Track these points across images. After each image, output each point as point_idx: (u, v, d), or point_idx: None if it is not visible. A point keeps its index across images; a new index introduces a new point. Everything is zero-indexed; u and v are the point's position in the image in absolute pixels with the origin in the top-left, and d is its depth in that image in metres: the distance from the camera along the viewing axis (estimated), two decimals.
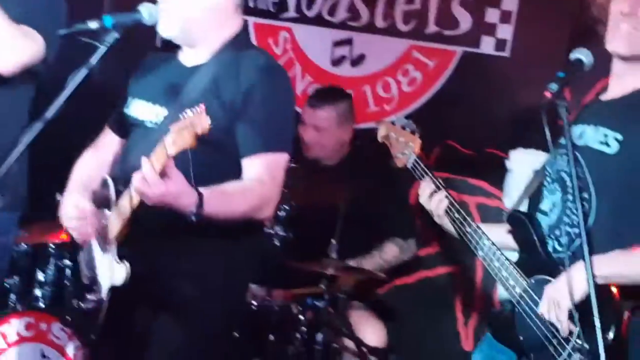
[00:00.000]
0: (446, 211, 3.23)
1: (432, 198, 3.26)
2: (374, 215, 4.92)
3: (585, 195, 2.98)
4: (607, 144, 3.02)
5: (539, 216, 3.16)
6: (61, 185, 3.53)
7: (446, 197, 3.24)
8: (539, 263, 3.06)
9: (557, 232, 3.05)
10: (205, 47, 3.28)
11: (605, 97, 3.14)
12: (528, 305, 3.01)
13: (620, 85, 3.12)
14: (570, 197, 3.06)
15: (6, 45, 3.24)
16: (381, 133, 3.49)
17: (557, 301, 2.88)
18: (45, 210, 4.65)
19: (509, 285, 3.08)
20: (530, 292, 3.01)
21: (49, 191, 4.42)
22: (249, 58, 3.22)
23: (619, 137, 3.02)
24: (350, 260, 4.73)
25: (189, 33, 3.27)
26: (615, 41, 3.06)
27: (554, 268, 2.98)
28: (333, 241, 4.51)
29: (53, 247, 4.78)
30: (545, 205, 3.15)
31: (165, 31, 3.26)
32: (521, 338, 3.03)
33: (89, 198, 3.28)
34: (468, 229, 3.20)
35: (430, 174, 3.31)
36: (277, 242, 4.49)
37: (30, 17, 3.29)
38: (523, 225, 3.13)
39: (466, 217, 3.22)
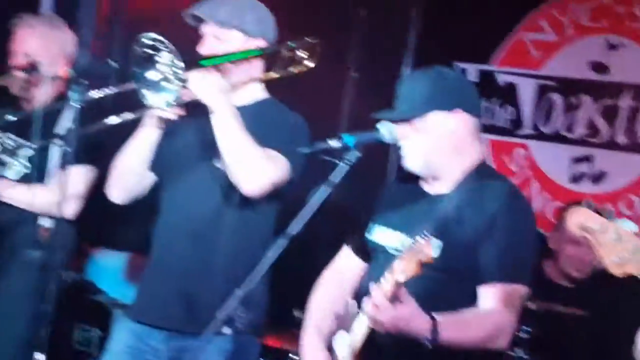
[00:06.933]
0: None
1: None
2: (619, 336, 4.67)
3: None
4: None
5: None
6: (299, 301, 3.57)
7: None
8: None
9: None
10: (448, 178, 3.28)
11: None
12: None
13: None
14: None
15: (256, 169, 3.34)
16: (577, 220, 2.53)
17: None
18: (282, 325, 4.73)
19: None
20: None
21: (286, 306, 4.50)
22: (492, 187, 3.22)
23: None
24: None
25: (432, 166, 3.28)
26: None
27: None
28: None
29: None
30: None
31: (410, 166, 3.29)
32: None
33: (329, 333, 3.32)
34: None
35: None
36: None
37: (275, 140, 3.41)
38: None
39: None
